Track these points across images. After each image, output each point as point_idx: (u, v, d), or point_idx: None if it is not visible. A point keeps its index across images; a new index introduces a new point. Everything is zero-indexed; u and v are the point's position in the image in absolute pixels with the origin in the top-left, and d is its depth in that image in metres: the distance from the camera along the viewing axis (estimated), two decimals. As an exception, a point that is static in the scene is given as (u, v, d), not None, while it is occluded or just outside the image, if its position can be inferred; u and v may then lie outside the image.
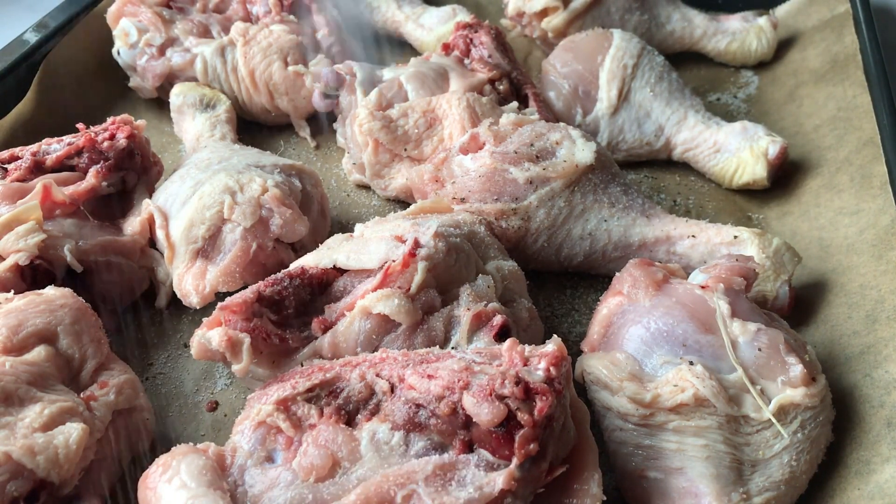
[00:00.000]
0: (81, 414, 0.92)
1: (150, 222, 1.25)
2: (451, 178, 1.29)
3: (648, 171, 1.59)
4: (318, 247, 1.15)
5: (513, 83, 1.52)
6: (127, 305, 1.26)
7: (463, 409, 0.82)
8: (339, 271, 1.09)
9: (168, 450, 0.88)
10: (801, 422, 0.97)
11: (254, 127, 1.66)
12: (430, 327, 1.02)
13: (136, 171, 1.31)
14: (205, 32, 1.63)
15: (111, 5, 1.65)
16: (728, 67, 1.86)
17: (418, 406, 0.85)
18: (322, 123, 1.63)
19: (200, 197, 1.20)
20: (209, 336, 1.00)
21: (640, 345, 1.03)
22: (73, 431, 0.87)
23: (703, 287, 1.07)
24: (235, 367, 1.00)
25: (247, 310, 1.01)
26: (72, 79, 1.63)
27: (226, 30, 1.64)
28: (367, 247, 1.07)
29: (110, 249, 1.20)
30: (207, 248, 1.20)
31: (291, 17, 1.68)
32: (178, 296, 1.21)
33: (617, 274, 1.14)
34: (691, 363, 0.99)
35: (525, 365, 0.85)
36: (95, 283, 1.19)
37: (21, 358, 0.94)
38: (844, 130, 1.47)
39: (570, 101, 1.56)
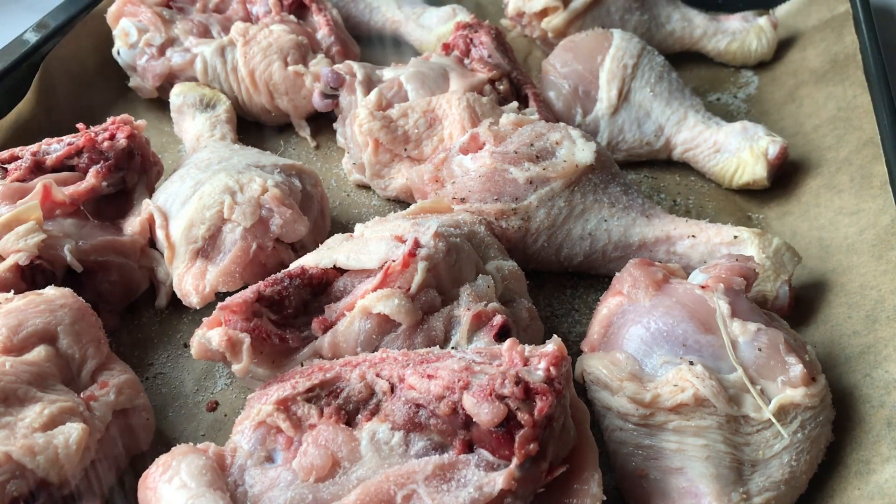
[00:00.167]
0: (81, 414, 0.92)
1: (150, 222, 1.25)
2: (451, 178, 1.29)
3: (648, 171, 1.59)
4: (318, 247, 1.15)
5: (513, 83, 1.52)
6: (127, 305, 1.26)
7: (463, 409, 0.82)
8: (339, 271, 1.09)
9: (168, 450, 0.88)
10: (801, 422, 0.97)
11: (254, 127, 1.66)
12: (430, 327, 1.02)
13: (136, 171, 1.31)
14: (205, 32, 1.63)
15: (111, 5, 1.65)
16: (728, 67, 1.86)
17: (418, 406, 0.85)
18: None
19: (200, 197, 1.20)
20: (209, 336, 1.00)
21: (640, 345, 1.03)
22: (73, 431, 0.87)
23: (703, 287, 1.07)
24: (235, 367, 1.00)
25: (247, 310, 1.01)
26: (72, 79, 1.63)
27: (226, 30, 1.64)
28: (367, 247, 1.07)
29: (110, 249, 1.20)
30: (207, 248, 1.20)
31: (291, 17, 1.68)
32: (178, 296, 1.21)
33: (617, 274, 1.14)
34: (691, 363, 0.99)
35: (525, 365, 0.85)
36: (95, 283, 1.19)
37: (21, 358, 0.94)
38: (844, 130, 1.47)
39: (570, 101, 1.56)
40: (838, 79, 1.59)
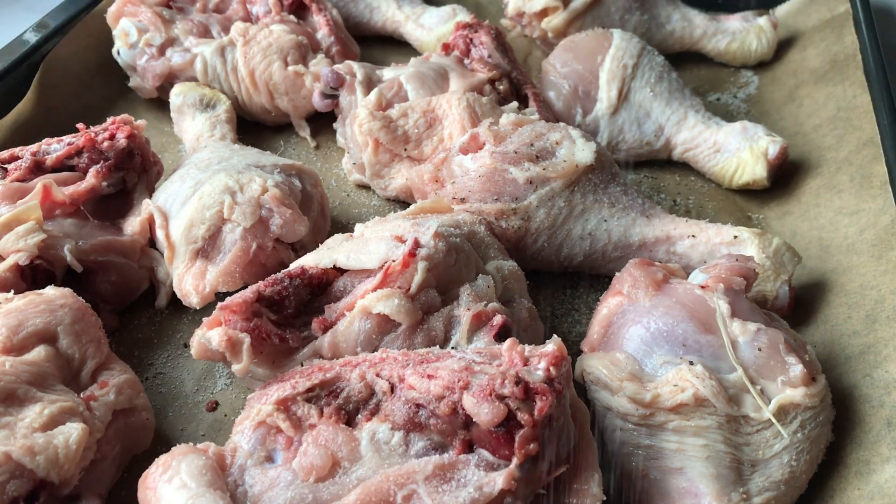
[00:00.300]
0: (81, 414, 0.92)
1: (150, 222, 1.25)
2: (451, 178, 1.29)
3: (648, 171, 1.59)
4: (318, 247, 1.15)
5: (513, 83, 1.52)
6: (127, 305, 1.26)
7: (463, 409, 0.82)
8: (339, 271, 1.09)
9: (168, 450, 0.88)
10: (801, 422, 0.97)
11: (254, 127, 1.66)
12: (430, 327, 1.02)
13: (136, 171, 1.31)
14: (205, 32, 1.63)
15: (111, 5, 1.65)
16: (728, 67, 1.86)
17: (418, 406, 0.85)
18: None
19: (200, 197, 1.20)
20: (209, 336, 1.00)
21: (640, 345, 1.03)
22: (73, 431, 0.87)
23: (703, 287, 1.07)
24: (235, 367, 1.00)
25: (247, 310, 1.01)
26: (72, 79, 1.63)
27: (226, 30, 1.64)
28: (367, 247, 1.07)
29: (110, 249, 1.20)
30: (207, 248, 1.20)
31: (291, 17, 1.68)
32: (178, 296, 1.21)
33: (617, 274, 1.14)
34: (691, 363, 0.99)
35: (525, 365, 0.85)
36: (95, 283, 1.19)
37: (21, 358, 0.94)
38: (844, 130, 1.47)
39: (570, 101, 1.56)
40: (838, 79, 1.59)
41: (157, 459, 0.87)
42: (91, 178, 1.24)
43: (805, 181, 1.47)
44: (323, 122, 1.65)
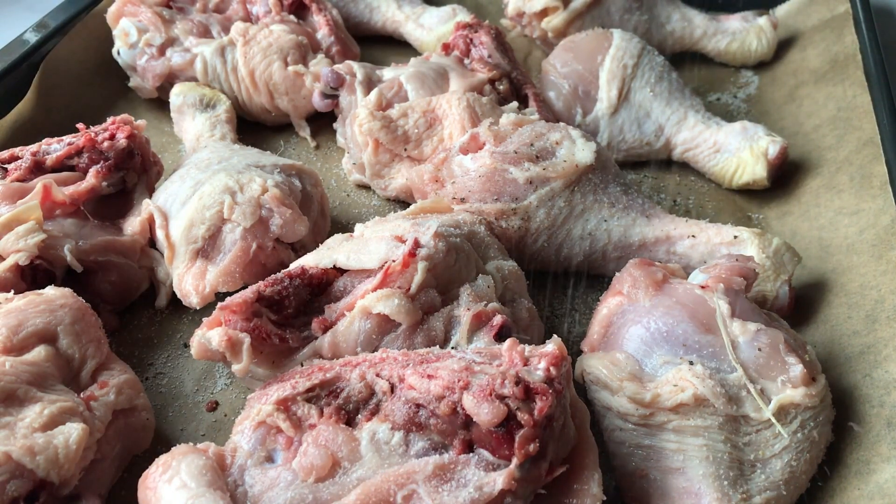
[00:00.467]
0: (81, 414, 0.92)
1: (150, 222, 1.25)
2: (451, 178, 1.29)
3: (648, 171, 1.59)
4: (318, 247, 1.15)
5: (513, 83, 1.52)
6: (127, 305, 1.26)
7: (463, 409, 0.82)
8: (339, 271, 1.09)
9: (168, 450, 0.88)
10: (801, 422, 0.97)
11: (254, 127, 1.66)
12: (430, 327, 1.02)
13: (136, 171, 1.31)
14: (205, 32, 1.63)
15: (111, 5, 1.65)
16: (728, 67, 1.86)
17: (418, 406, 0.85)
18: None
19: (200, 197, 1.20)
20: (209, 336, 1.00)
21: (640, 345, 1.03)
22: (73, 431, 0.87)
23: (703, 287, 1.07)
24: (235, 367, 1.00)
25: (247, 310, 1.01)
26: (72, 79, 1.63)
27: (226, 30, 1.64)
28: (367, 247, 1.07)
29: (110, 249, 1.19)
30: (207, 248, 1.20)
31: (291, 17, 1.68)
32: (178, 296, 1.21)
33: (617, 274, 1.14)
34: (691, 363, 0.99)
35: (525, 365, 0.85)
36: (95, 283, 1.19)
37: (21, 358, 0.94)
38: (844, 130, 1.47)
39: (570, 101, 1.56)
40: (838, 79, 1.59)
41: (157, 459, 0.87)
42: (91, 178, 1.24)
43: (805, 181, 1.47)
44: (323, 122, 1.65)
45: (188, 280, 1.19)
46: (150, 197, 1.30)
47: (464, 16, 1.80)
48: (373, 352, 0.98)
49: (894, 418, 1.01)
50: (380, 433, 0.86)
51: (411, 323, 1.00)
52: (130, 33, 1.60)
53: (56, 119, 1.54)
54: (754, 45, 1.80)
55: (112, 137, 1.28)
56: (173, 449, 0.88)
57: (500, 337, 1.00)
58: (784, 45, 1.83)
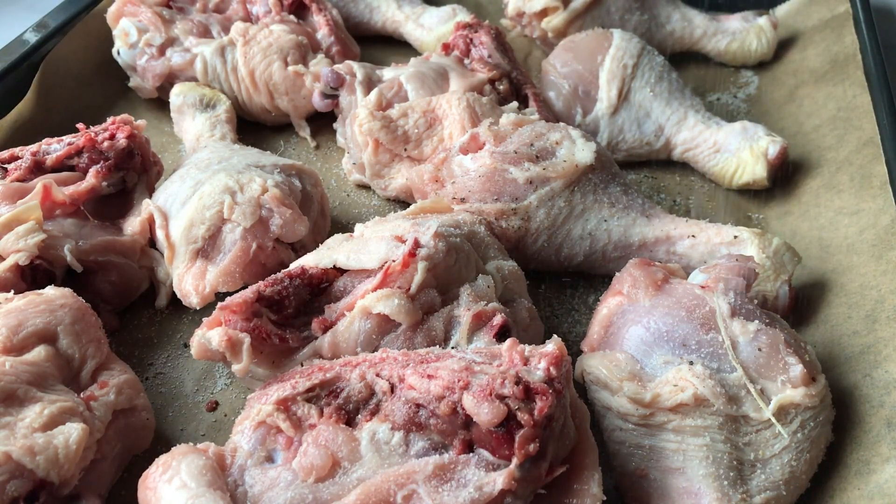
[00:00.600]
0: (81, 414, 0.92)
1: (150, 222, 1.25)
2: (451, 178, 1.29)
3: (648, 171, 1.59)
4: (318, 247, 1.15)
5: (513, 83, 1.52)
6: (127, 305, 1.26)
7: (463, 408, 0.82)
8: (339, 271, 1.09)
9: (168, 450, 0.88)
10: (801, 422, 0.97)
11: (254, 127, 1.66)
12: (430, 327, 1.02)
13: (136, 171, 1.31)
14: (205, 32, 1.63)
15: (111, 5, 1.65)
16: (728, 67, 1.86)
17: (418, 406, 0.85)
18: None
19: (200, 197, 1.20)
20: (209, 336, 1.00)
21: (640, 345, 1.03)
22: (73, 431, 0.87)
23: (703, 287, 1.07)
24: (235, 367, 1.00)
25: (247, 310, 1.01)
26: (72, 79, 1.63)
27: (226, 30, 1.64)
28: (367, 247, 1.07)
29: (110, 249, 1.19)
30: (207, 248, 1.20)
31: (291, 17, 1.68)
32: (178, 296, 1.21)
33: (617, 274, 1.14)
34: (691, 363, 0.99)
35: (525, 365, 0.85)
36: (95, 283, 1.19)
37: (21, 358, 0.93)
38: (844, 130, 1.47)
39: (570, 101, 1.56)
40: (838, 79, 1.59)
41: (157, 459, 0.87)
42: (91, 178, 1.24)
43: (805, 181, 1.47)
44: (323, 122, 1.65)
45: (188, 280, 1.19)
46: (150, 197, 1.30)
47: (464, 16, 1.80)
48: (373, 352, 0.98)
49: (894, 418, 1.01)
50: (380, 433, 0.86)
51: (411, 323, 1.00)
52: (130, 33, 1.60)
53: (56, 119, 1.54)
54: (754, 45, 1.80)
55: (112, 137, 1.28)
56: (173, 449, 0.88)
57: (500, 337, 1.00)
58: (784, 45, 1.83)
